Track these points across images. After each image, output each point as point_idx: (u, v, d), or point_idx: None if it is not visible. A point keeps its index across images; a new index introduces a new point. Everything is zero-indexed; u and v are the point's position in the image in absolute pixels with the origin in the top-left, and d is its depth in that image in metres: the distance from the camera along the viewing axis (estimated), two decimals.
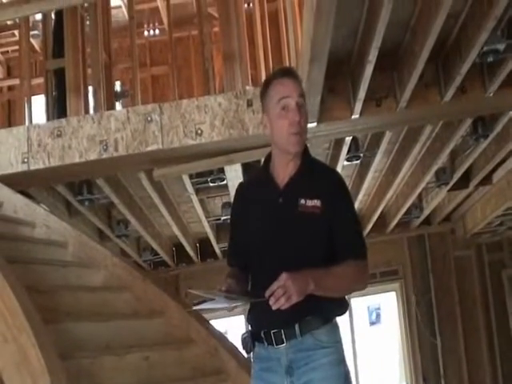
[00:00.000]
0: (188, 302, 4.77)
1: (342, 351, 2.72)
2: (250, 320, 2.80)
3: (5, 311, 3.51)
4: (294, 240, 2.68)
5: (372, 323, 10.23)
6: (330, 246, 2.68)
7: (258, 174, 3.04)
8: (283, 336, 2.65)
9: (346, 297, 2.80)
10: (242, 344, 2.81)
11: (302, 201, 2.69)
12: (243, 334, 2.81)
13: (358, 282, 2.68)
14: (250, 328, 2.82)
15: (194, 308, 2.64)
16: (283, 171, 2.80)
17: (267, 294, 2.42)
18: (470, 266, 9.63)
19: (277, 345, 2.66)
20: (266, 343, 2.71)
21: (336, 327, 2.74)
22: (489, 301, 9.56)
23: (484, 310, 9.51)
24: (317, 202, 2.67)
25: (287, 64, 5.34)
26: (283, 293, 2.38)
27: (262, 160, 3.04)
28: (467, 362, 9.34)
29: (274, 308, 2.41)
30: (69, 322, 4.07)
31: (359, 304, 9.62)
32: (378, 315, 10.26)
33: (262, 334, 2.71)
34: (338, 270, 2.58)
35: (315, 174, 2.79)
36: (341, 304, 2.74)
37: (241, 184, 3.15)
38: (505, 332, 9.46)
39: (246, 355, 3.22)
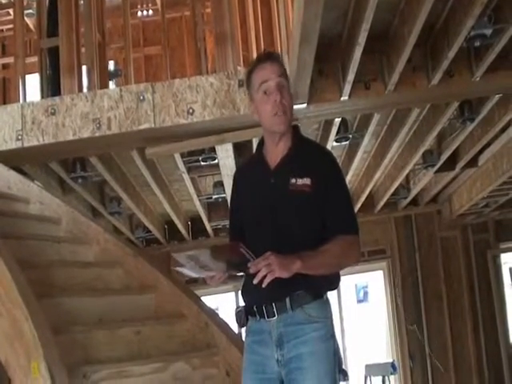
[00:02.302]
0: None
1: (332, 327, 2.79)
2: (243, 294, 2.87)
3: None
4: (286, 219, 2.75)
5: (360, 301, 10.35)
6: (322, 223, 2.74)
7: (252, 158, 3.12)
8: (274, 309, 2.72)
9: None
10: (236, 318, 2.88)
11: (293, 180, 2.75)
12: (237, 308, 2.88)
13: (348, 257, 2.74)
14: (243, 303, 2.89)
15: (174, 255, 2.71)
16: (274, 153, 2.87)
17: (250, 264, 2.51)
18: (456, 246, 9.74)
19: (268, 318, 2.74)
20: (258, 316, 2.78)
21: (327, 303, 2.80)
22: (474, 280, 9.67)
23: (469, 289, 9.62)
24: (307, 180, 2.73)
25: (278, 45, 5.36)
26: (265, 264, 2.47)
27: (254, 140, 3.13)
28: (452, 339, 9.46)
29: (254, 282, 2.49)
30: (62, 296, 4.11)
31: (347, 282, 9.72)
32: (366, 293, 10.37)
33: (255, 308, 2.78)
34: (327, 248, 2.64)
35: (306, 152, 2.85)
36: (332, 279, 2.80)
37: (236, 170, 3.26)
38: (489, 310, 9.59)
39: (239, 329, 3.30)
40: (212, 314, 4.46)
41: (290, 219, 2.76)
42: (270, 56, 2.90)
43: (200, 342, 4.29)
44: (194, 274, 2.68)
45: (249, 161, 3.20)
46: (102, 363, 3.73)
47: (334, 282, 2.83)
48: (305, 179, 2.74)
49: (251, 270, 2.50)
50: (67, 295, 4.16)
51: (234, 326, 3.67)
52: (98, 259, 4.85)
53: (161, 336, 4.20)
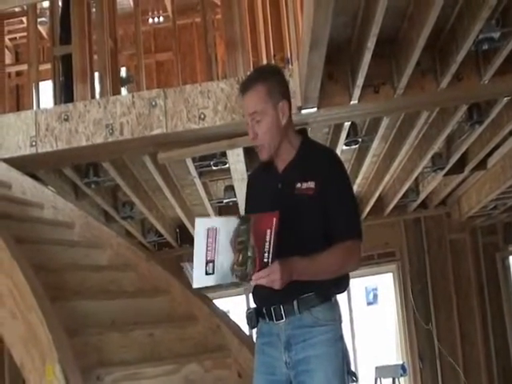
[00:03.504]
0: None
1: (340, 329, 2.80)
2: (254, 296, 2.90)
3: (13, 289, 3.60)
4: (292, 224, 2.76)
5: (369, 303, 10.33)
6: (327, 226, 2.76)
7: (262, 161, 3.11)
8: (282, 312, 2.75)
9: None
10: (247, 319, 2.91)
11: (298, 184, 2.78)
12: (248, 310, 2.90)
13: (347, 264, 2.75)
14: (254, 305, 2.92)
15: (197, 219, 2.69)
16: (281, 157, 2.90)
17: (254, 278, 2.55)
18: (465, 248, 9.70)
19: (277, 320, 2.76)
20: (267, 319, 2.81)
21: (335, 305, 2.82)
22: (483, 282, 9.64)
23: (478, 290, 9.60)
24: (311, 184, 2.76)
25: (288, 50, 5.41)
26: (268, 281, 2.53)
27: None
28: (461, 340, 9.43)
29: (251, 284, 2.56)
30: (76, 300, 4.13)
31: (357, 284, 9.71)
32: (376, 296, 10.35)
33: (264, 310, 2.81)
34: (325, 257, 2.66)
35: (311, 156, 2.87)
36: (340, 282, 2.80)
37: (251, 173, 3.29)
38: (498, 312, 9.58)
39: (250, 331, 3.34)
40: (224, 317, 4.48)
41: (295, 223, 2.77)
42: (244, 88, 2.90)
43: (212, 344, 4.31)
44: (194, 282, 2.67)
45: (260, 165, 3.19)
46: (116, 365, 3.75)
47: (342, 286, 2.84)
48: (309, 183, 2.77)
49: (252, 283, 2.55)
50: (81, 298, 4.18)
51: (246, 329, 3.71)
52: (112, 263, 4.87)
53: (173, 338, 4.21)
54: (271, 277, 2.53)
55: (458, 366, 9.35)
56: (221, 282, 2.59)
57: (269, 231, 2.52)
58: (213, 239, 2.52)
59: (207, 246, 2.52)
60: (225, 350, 4.25)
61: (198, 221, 2.54)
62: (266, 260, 2.54)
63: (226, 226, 2.53)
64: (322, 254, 2.66)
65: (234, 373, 4.11)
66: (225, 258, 2.54)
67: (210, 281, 2.56)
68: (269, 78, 2.90)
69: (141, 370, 3.76)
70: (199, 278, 2.57)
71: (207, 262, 2.54)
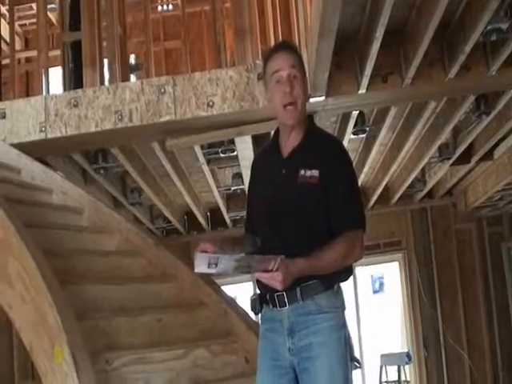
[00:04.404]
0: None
1: (343, 316, 2.81)
2: (258, 283, 2.87)
3: (23, 273, 3.61)
4: (294, 210, 2.77)
5: (375, 292, 10.39)
6: (329, 216, 2.75)
7: (268, 145, 3.11)
8: (285, 299, 2.75)
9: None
10: (251, 305, 2.92)
11: (302, 171, 2.76)
12: (252, 296, 2.91)
13: (350, 256, 2.73)
14: (258, 291, 2.92)
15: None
16: (288, 142, 2.89)
17: (257, 275, 2.58)
18: (471, 238, 9.73)
19: (280, 307, 2.77)
20: (271, 305, 2.82)
21: (338, 293, 2.82)
22: (488, 272, 9.68)
23: (483, 280, 9.64)
24: (314, 172, 2.74)
25: (296, 39, 5.42)
26: (269, 277, 2.53)
27: (272, 133, 3.18)
28: (466, 329, 9.49)
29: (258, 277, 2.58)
30: (85, 284, 4.15)
31: (363, 273, 9.78)
32: (382, 284, 10.41)
33: (268, 297, 2.82)
34: (327, 253, 2.65)
35: (317, 143, 2.85)
36: (343, 270, 2.80)
37: (255, 157, 3.30)
38: (503, 301, 9.61)
39: (254, 316, 3.36)
40: (231, 302, 4.50)
41: (299, 211, 2.77)
42: (284, 45, 2.95)
43: (219, 329, 4.33)
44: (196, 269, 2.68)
45: (265, 148, 3.19)
46: (124, 349, 3.76)
47: (345, 274, 2.84)
48: (313, 171, 2.75)
49: (256, 274, 2.57)
50: (90, 283, 4.20)
51: (252, 314, 3.74)
52: (120, 249, 4.87)
53: (181, 323, 4.22)
54: (273, 283, 2.54)
55: (463, 353, 9.39)
56: (222, 273, 2.61)
57: (273, 262, 2.53)
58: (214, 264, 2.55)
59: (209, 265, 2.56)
60: (232, 335, 4.27)
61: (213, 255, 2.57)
62: (270, 269, 2.54)
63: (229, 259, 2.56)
64: (323, 250, 2.65)
65: (241, 358, 4.12)
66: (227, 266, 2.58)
67: (211, 271, 2.58)
68: (298, 52, 2.98)
69: (149, 354, 3.77)
70: (201, 269, 2.59)
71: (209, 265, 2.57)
